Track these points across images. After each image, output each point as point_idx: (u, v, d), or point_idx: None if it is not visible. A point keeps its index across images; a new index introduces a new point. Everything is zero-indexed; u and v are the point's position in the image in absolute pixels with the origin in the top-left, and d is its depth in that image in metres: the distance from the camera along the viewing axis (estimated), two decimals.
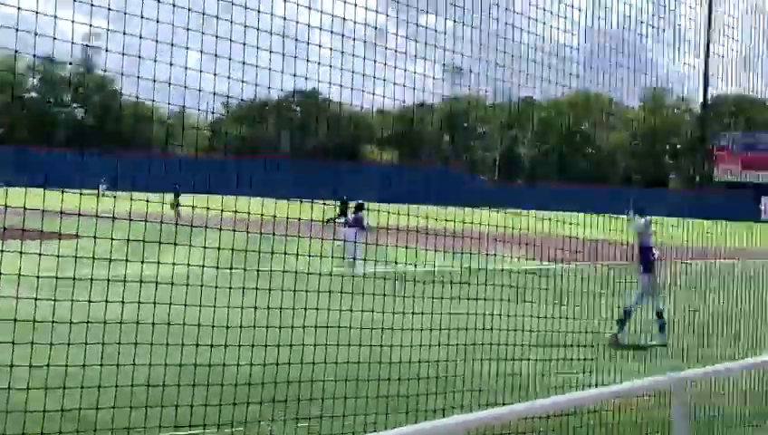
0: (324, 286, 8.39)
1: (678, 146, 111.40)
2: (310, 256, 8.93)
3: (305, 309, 8.21)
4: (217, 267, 8.17)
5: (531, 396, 9.37)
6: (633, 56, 12.19)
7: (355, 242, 23.47)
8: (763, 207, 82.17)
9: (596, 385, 9.57)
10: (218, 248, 7.78)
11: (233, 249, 8.13)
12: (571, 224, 11.74)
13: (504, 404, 6.69)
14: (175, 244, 8.09)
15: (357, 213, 25.72)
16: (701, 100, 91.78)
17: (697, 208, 39.46)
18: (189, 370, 8.16)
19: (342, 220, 31.73)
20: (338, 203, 43.34)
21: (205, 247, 8.71)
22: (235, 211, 8.10)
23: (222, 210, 7.69)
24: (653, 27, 12.32)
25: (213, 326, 8.09)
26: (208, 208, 7.96)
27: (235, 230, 8.10)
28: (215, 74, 7.82)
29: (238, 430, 7.94)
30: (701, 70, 14.99)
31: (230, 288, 7.77)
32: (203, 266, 8.41)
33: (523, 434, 6.82)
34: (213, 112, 9.47)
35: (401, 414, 8.35)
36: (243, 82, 8.10)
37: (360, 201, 26.48)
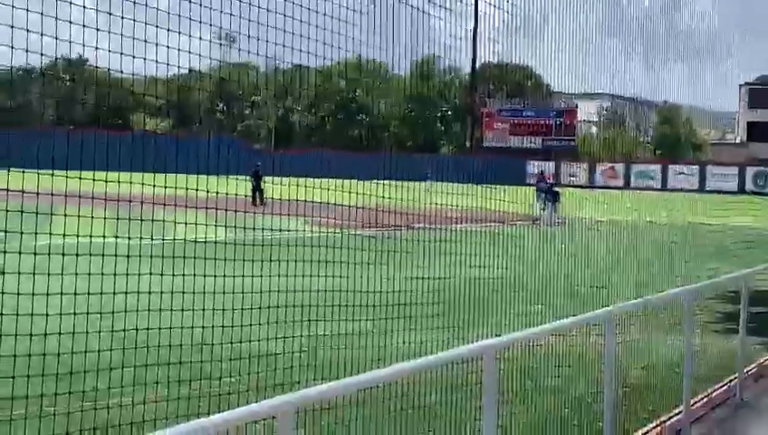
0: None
1: (449, 113, 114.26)
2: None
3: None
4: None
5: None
6: (404, 22, 12.06)
7: None
8: (529, 171, 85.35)
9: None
10: None
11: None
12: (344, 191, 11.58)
13: None
14: None
15: None
16: (469, 66, 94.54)
17: (469, 173, 40.32)
18: None
19: None
20: (250, 177, 40.01)
21: None
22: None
23: None
24: None
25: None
26: None
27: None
28: None
29: None
30: (470, 37, 15.08)
31: None
32: None
33: None
34: None
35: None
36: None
37: None
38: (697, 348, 10.98)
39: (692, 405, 10.26)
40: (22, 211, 7.39)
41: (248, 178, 38.83)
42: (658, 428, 9.84)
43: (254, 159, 51.12)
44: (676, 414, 10.11)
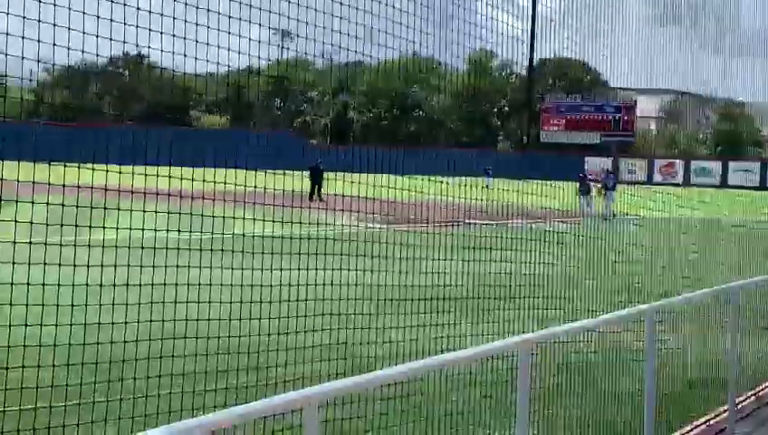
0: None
1: (506, 108, 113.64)
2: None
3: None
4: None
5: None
6: (461, 19, 12.18)
7: None
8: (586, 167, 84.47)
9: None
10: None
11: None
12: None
13: None
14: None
15: None
16: (526, 62, 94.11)
17: (527, 169, 40.20)
18: None
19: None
20: (309, 172, 40.40)
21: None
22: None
23: None
24: None
25: None
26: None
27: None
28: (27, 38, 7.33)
29: None
30: (527, 33, 15.12)
31: None
32: None
33: None
34: (31, 79, 8.90)
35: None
36: (55, 45, 7.65)
37: None
38: (743, 346, 10.95)
39: (738, 403, 10.25)
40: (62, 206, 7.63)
41: (306, 173, 39.24)
42: (703, 425, 9.87)
43: (312, 154, 51.24)
44: (722, 412, 10.12)
